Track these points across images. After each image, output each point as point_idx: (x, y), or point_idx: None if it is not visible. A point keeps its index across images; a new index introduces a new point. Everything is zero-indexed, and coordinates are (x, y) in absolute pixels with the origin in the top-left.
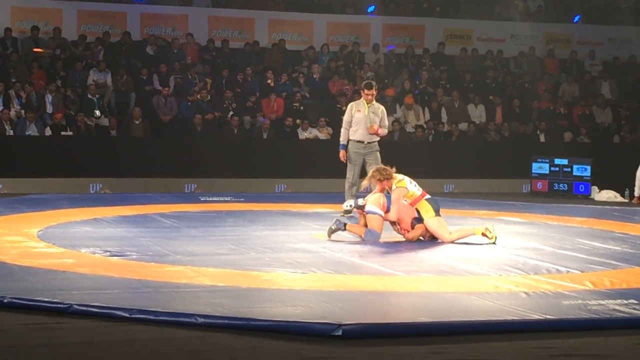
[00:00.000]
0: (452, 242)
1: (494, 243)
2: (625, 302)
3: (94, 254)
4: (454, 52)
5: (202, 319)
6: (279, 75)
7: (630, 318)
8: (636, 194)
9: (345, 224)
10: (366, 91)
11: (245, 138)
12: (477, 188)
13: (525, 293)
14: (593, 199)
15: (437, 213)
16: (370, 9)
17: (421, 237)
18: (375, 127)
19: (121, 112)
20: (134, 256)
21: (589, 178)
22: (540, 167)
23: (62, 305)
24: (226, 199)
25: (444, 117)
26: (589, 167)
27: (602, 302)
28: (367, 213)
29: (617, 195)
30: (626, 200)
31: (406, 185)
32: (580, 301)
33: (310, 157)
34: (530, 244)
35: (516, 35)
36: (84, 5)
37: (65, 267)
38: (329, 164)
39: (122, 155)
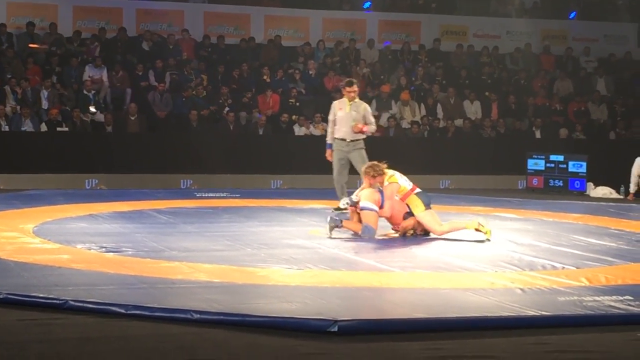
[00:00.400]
0: (443, 234)
1: (488, 239)
2: (621, 298)
3: (89, 249)
4: (449, 48)
5: (198, 315)
6: (275, 71)
7: (626, 314)
8: (631, 190)
9: (341, 221)
10: (347, 89)
11: (241, 134)
12: (473, 184)
13: (521, 289)
14: (588, 196)
15: (428, 206)
16: (366, 5)
17: (414, 231)
18: (360, 125)
19: (117, 108)
20: (130, 252)
21: (584, 174)
22: (535, 164)
23: (57, 301)
24: (222, 195)
25: (440, 113)
26: (584, 164)
27: (597, 298)
28: (362, 209)
29: (613, 191)
30: (621, 197)
31: (397, 181)
32: (575, 297)
33: (306, 153)
34: (525, 240)
35: (512, 32)
36: (79, 1)
37: (60, 263)
38: (324, 160)
39: (117, 151)
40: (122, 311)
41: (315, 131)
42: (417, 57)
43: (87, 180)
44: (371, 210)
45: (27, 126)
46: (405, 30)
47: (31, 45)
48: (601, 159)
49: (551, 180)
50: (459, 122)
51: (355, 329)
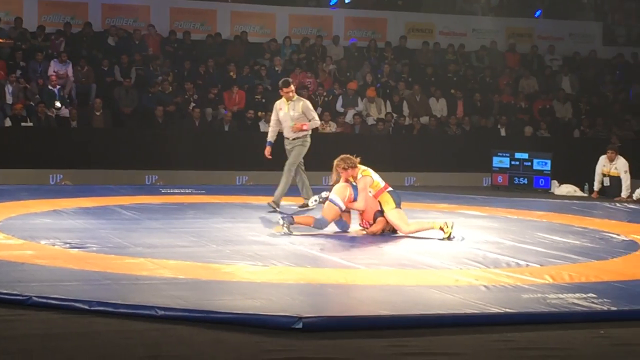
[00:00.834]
0: (410, 233)
1: (447, 238)
2: (584, 295)
3: (53, 245)
4: (415, 45)
5: (162, 311)
6: (241, 67)
7: (589, 312)
8: (595, 188)
9: (292, 217)
10: (284, 89)
11: (207, 130)
12: (438, 181)
13: (485, 286)
14: (553, 193)
15: (398, 205)
16: (333, 2)
17: (382, 231)
18: (299, 125)
19: (82, 104)
20: (94, 248)
21: (549, 172)
22: (500, 161)
23: (21, 297)
24: (187, 191)
25: (406, 110)
26: (549, 161)
27: (561, 295)
28: (328, 200)
29: (577, 189)
30: (586, 195)
31: (371, 175)
32: (539, 295)
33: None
34: (490, 237)
35: (478, 30)
36: None
37: (24, 258)
38: None
39: (82, 147)
40: (86, 307)
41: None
42: (383, 54)
43: (51, 176)
44: (335, 204)
45: None
46: (372, 27)
47: None
48: (565, 157)
49: (516, 178)
50: (424, 119)
51: (320, 325)
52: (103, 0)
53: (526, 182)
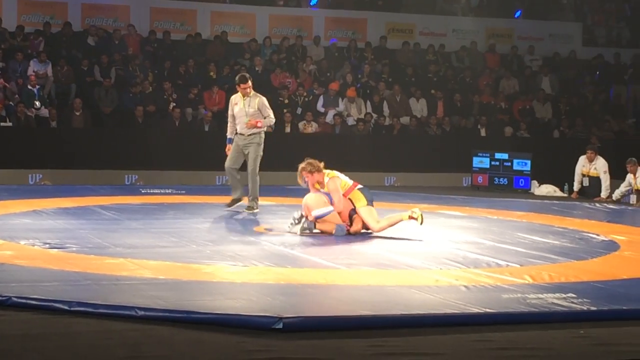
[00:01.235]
0: (380, 230)
1: (421, 223)
2: (564, 295)
3: (33, 246)
4: (396, 46)
5: (142, 312)
6: (221, 67)
7: (569, 312)
8: (575, 188)
9: (314, 224)
10: (242, 85)
11: (187, 130)
12: (418, 181)
13: (465, 287)
14: (533, 193)
15: (370, 202)
16: (313, 2)
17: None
18: (253, 121)
19: (61, 103)
20: (74, 248)
21: (528, 172)
22: (480, 161)
23: (0, 298)
24: (167, 191)
25: (386, 110)
26: (529, 162)
27: (540, 295)
28: (317, 218)
29: (557, 189)
30: (565, 195)
31: (338, 176)
32: (519, 295)
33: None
34: (470, 237)
35: (458, 30)
36: None
37: (3, 259)
38: (270, 157)
39: (62, 147)
40: (66, 308)
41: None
42: (364, 54)
43: (30, 175)
44: (327, 213)
45: None
46: (352, 28)
47: None
48: (545, 157)
49: (496, 178)
50: (405, 119)
51: (300, 326)
52: (83, 0)
53: (506, 182)
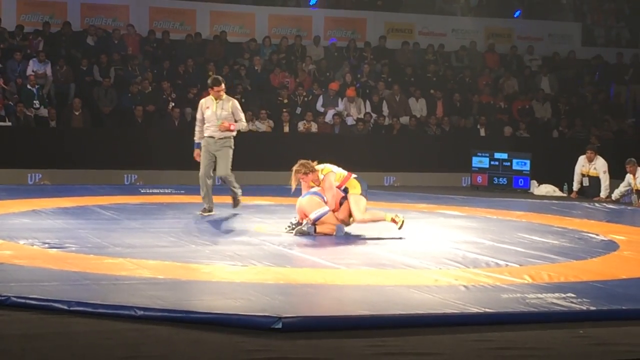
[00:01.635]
0: (362, 222)
1: (399, 228)
2: (563, 295)
3: (32, 245)
4: (395, 45)
5: (142, 312)
6: (220, 67)
7: (568, 311)
8: (575, 188)
9: (315, 228)
10: (215, 88)
11: (186, 130)
12: (418, 181)
13: (465, 286)
14: (532, 193)
15: (364, 193)
16: (313, 2)
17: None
18: (227, 124)
19: (61, 103)
20: (73, 248)
21: (528, 172)
22: (480, 161)
23: None
24: (167, 191)
25: (385, 110)
26: (528, 162)
27: (540, 295)
28: (315, 221)
29: (556, 189)
30: (565, 195)
31: (332, 170)
32: (518, 294)
33: (250, 150)
34: (469, 237)
35: (457, 30)
36: None
37: (3, 259)
38: (269, 157)
39: (61, 147)
40: (65, 307)
41: (261, 126)
42: (363, 54)
43: (29, 175)
44: (325, 214)
45: None
46: (351, 28)
47: None
48: (545, 157)
49: (495, 178)
50: (404, 119)
51: (299, 325)
52: (82, 0)
53: (505, 182)
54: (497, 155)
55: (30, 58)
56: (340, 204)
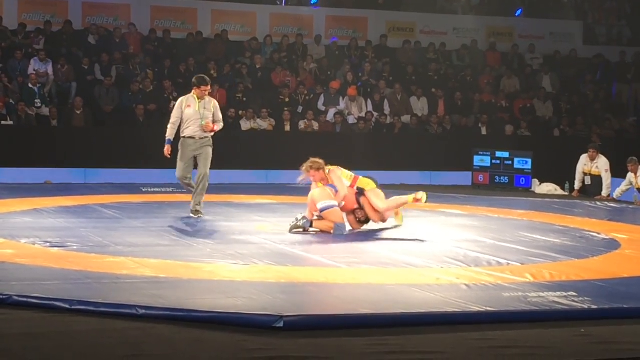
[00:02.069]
0: (387, 210)
1: (425, 202)
2: (565, 294)
3: (34, 244)
4: (396, 44)
5: (143, 311)
6: (222, 66)
7: (570, 310)
8: (576, 187)
9: (311, 222)
10: (202, 87)
11: None
12: (419, 180)
13: (466, 285)
14: (534, 192)
15: (378, 186)
16: (314, 0)
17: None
18: (211, 125)
19: (62, 102)
20: (75, 247)
21: (529, 171)
22: (481, 160)
23: (1, 296)
24: (168, 190)
25: (387, 109)
26: (529, 160)
27: (541, 294)
28: (322, 211)
29: (558, 188)
30: (566, 193)
31: (338, 167)
32: (520, 293)
33: (252, 148)
34: (471, 236)
35: (459, 29)
36: None
37: (4, 257)
38: (271, 155)
39: (63, 146)
40: (67, 306)
41: (263, 125)
42: (364, 53)
43: (32, 174)
44: (332, 207)
45: None
46: (352, 26)
47: None
48: (546, 156)
49: (497, 177)
50: (405, 118)
51: (301, 324)
52: None
53: (507, 180)
54: (499, 154)
55: (31, 57)
56: (358, 202)
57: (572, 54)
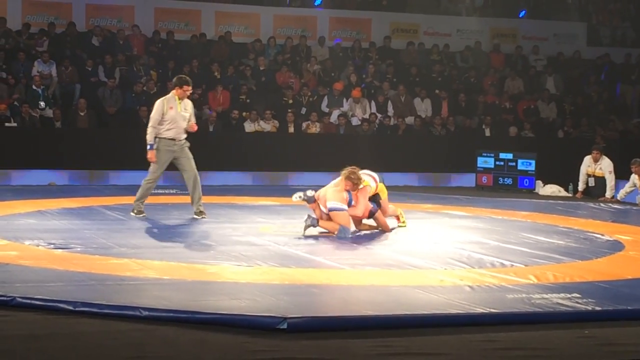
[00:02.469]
0: (393, 213)
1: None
2: (569, 295)
3: (37, 246)
4: (400, 46)
5: (147, 312)
6: (225, 67)
7: (573, 312)
8: (580, 188)
9: (317, 220)
10: (185, 87)
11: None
12: (423, 181)
13: (470, 287)
14: (537, 193)
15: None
16: (317, 2)
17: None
18: (195, 125)
19: (66, 104)
20: (78, 249)
21: (533, 172)
22: (485, 161)
23: (5, 298)
24: (171, 192)
25: (391, 110)
26: (533, 162)
27: (545, 295)
28: (330, 210)
29: (561, 189)
30: (570, 195)
31: (369, 183)
32: (524, 295)
33: (255, 150)
34: (474, 237)
35: (462, 30)
36: None
37: (8, 259)
38: (275, 157)
39: (67, 147)
40: (71, 308)
41: (266, 126)
42: (368, 54)
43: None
44: (341, 210)
45: None
46: (356, 28)
47: None
48: (550, 157)
49: (500, 178)
50: (409, 119)
51: (305, 326)
52: (87, 1)
53: (511, 182)
54: (502, 155)
55: (35, 59)
56: (370, 216)
57: (576, 55)
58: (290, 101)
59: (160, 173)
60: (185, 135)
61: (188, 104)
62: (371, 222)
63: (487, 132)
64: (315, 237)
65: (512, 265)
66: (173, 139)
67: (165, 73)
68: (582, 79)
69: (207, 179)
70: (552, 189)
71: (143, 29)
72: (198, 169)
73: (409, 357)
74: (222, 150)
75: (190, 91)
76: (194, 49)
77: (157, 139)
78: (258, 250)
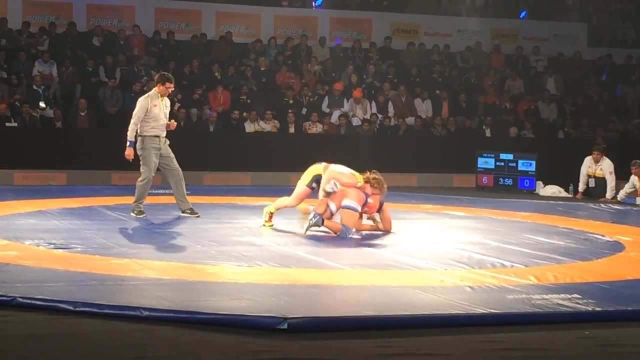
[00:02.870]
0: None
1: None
2: (569, 296)
3: (38, 246)
4: (400, 46)
5: (147, 312)
6: (226, 67)
7: (573, 312)
8: (580, 189)
9: (323, 219)
10: (167, 84)
11: (192, 131)
12: (423, 182)
13: (470, 287)
14: (538, 194)
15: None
16: (318, 2)
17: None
18: (174, 123)
19: (66, 104)
20: (79, 249)
21: (533, 173)
22: (485, 162)
23: (5, 298)
24: (172, 192)
25: (391, 111)
26: (533, 162)
27: (545, 296)
28: (343, 207)
29: (562, 190)
30: (570, 196)
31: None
32: (524, 295)
33: (256, 150)
34: (475, 238)
35: (463, 30)
36: None
37: (8, 259)
38: (275, 157)
39: (67, 147)
40: (71, 308)
41: (267, 127)
42: (368, 55)
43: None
44: (354, 210)
45: None
46: (357, 28)
47: None
48: (550, 158)
49: (501, 179)
50: (410, 120)
51: (305, 326)
52: (88, 1)
53: (511, 182)
54: (503, 156)
55: (36, 59)
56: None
57: (576, 55)
58: (291, 101)
59: (154, 172)
60: (165, 133)
61: (167, 101)
62: (371, 222)
63: (488, 133)
64: (315, 238)
65: (513, 265)
66: (157, 136)
67: None
68: (582, 79)
69: (207, 179)
70: (552, 190)
71: (144, 29)
72: (198, 169)
73: (409, 357)
74: (223, 151)
75: (173, 88)
76: (194, 49)
77: (140, 138)
78: (258, 250)
